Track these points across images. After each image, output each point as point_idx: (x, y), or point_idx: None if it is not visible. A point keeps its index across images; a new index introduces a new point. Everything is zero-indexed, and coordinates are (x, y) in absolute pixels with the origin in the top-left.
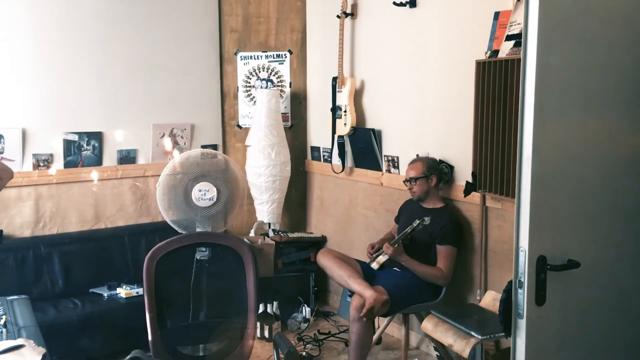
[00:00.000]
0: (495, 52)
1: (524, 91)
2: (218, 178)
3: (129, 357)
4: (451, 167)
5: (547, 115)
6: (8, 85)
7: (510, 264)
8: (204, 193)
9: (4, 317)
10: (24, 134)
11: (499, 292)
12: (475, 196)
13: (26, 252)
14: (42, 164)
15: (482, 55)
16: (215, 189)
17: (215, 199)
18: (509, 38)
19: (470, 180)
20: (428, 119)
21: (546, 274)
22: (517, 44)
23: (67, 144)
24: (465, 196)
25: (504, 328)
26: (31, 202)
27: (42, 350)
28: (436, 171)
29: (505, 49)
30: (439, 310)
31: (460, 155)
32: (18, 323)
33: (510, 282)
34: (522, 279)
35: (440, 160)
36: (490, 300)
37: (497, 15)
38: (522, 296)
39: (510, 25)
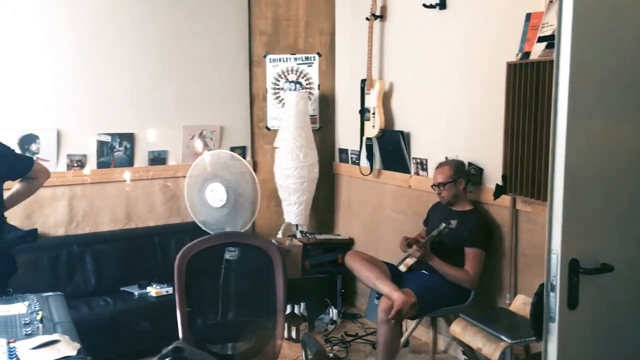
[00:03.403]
0: (527, 54)
1: (557, 92)
2: (227, 179)
3: (171, 347)
4: (480, 170)
5: (581, 117)
6: (44, 88)
7: (541, 268)
8: (215, 194)
9: (40, 312)
10: (58, 135)
11: (529, 296)
12: (505, 199)
13: (60, 250)
14: (75, 165)
15: (513, 57)
16: (224, 190)
17: (225, 201)
18: (541, 39)
19: (500, 182)
20: (457, 121)
21: (579, 277)
22: (550, 46)
23: (100, 144)
24: (495, 199)
25: (535, 332)
26: (65, 202)
27: (77, 345)
28: (464, 174)
29: (537, 50)
30: (468, 314)
31: (490, 157)
32: (53, 319)
33: (541, 286)
34: (554, 282)
35: (469, 162)
36: (520, 304)
37: (528, 16)
38: (554, 300)
39: (543, 27)
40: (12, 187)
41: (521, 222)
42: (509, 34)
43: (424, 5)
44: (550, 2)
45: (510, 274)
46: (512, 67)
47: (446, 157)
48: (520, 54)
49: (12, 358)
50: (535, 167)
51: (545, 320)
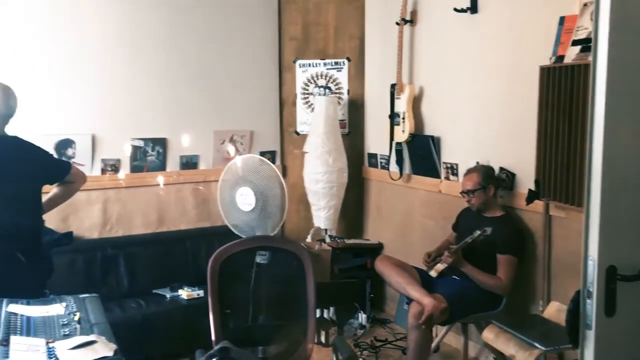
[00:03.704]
0: (561, 58)
1: (594, 96)
2: (255, 184)
3: (218, 347)
4: (512, 175)
5: (619, 120)
6: (80, 94)
7: (575, 274)
8: (244, 198)
9: (77, 313)
10: (93, 140)
11: (563, 303)
12: (538, 204)
13: (94, 253)
14: (110, 169)
15: (546, 61)
16: (253, 194)
17: (253, 205)
18: (575, 43)
19: (532, 188)
20: (489, 125)
21: (616, 284)
22: (585, 49)
23: (134, 149)
24: (527, 204)
25: (571, 339)
26: (99, 205)
27: (114, 346)
28: (493, 180)
29: (572, 54)
30: (501, 320)
31: (522, 162)
32: (90, 320)
33: (578, 292)
34: (591, 289)
35: (500, 167)
36: (554, 311)
37: (562, 20)
38: (591, 307)
39: (577, 30)
40: (50, 190)
41: (555, 228)
42: (542, 37)
43: (455, 10)
44: (585, 5)
45: (544, 280)
46: (545, 71)
47: (477, 162)
48: (553, 58)
49: (52, 358)
50: (570, 171)
51: (582, 328)
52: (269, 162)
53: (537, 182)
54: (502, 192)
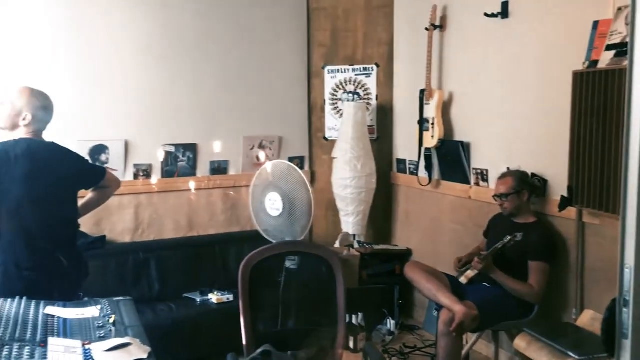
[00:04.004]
0: (595, 63)
1: (630, 100)
2: (283, 189)
3: (260, 350)
4: (544, 181)
5: None
6: (113, 101)
7: (610, 282)
8: (272, 203)
9: (112, 316)
10: (126, 146)
11: (597, 311)
12: (571, 211)
13: (126, 257)
14: (142, 174)
15: (579, 66)
16: (280, 199)
17: (281, 210)
18: (609, 48)
19: (565, 194)
20: (520, 131)
21: None
22: (619, 54)
23: (165, 155)
24: (560, 211)
25: (607, 348)
26: (131, 210)
27: (148, 349)
28: (527, 185)
29: (606, 59)
30: (533, 328)
31: (555, 168)
32: (125, 322)
33: (614, 301)
34: (628, 298)
35: (532, 173)
36: (588, 319)
37: (596, 24)
38: (627, 315)
39: (611, 35)
40: (86, 195)
41: (588, 235)
42: (575, 42)
43: (486, 15)
44: (619, 9)
45: (577, 288)
46: (578, 76)
47: (508, 168)
48: (587, 63)
49: (88, 359)
50: (604, 178)
51: (618, 337)
52: (296, 168)
53: (570, 188)
54: (534, 199)
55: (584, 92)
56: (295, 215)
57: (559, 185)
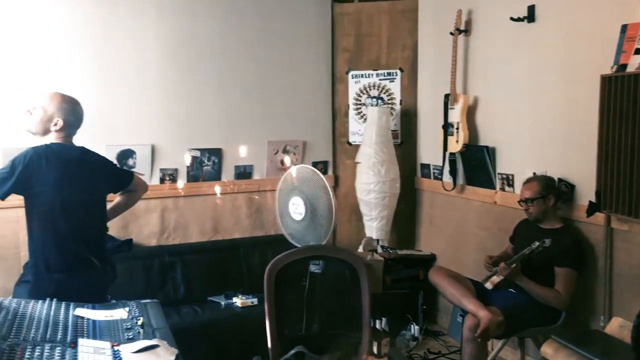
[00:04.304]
0: (623, 67)
1: None
2: (306, 193)
3: (293, 351)
4: (572, 186)
5: None
6: (140, 106)
7: (639, 289)
8: (295, 207)
9: (141, 318)
10: (153, 150)
11: (626, 318)
12: (599, 217)
13: (152, 260)
14: (168, 178)
15: (607, 70)
16: (303, 203)
17: (303, 214)
18: (638, 51)
19: (593, 199)
20: (546, 135)
21: None
22: None
23: (191, 159)
24: (587, 216)
25: (637, 356)
26: (157, 214)
27: (175, 351)
28: (553, 190)
29: (634, 62)
30: (560, 335)
31: (582, 173)
32: (152, 325)
33: None
34: None
35: (559, 178)
36: (616, 327)
37: (624, 28)
38: None
39: None
40: (114, 199)
41: (616, 242)
42: (603, 46)
43: (512, 19)
44: None
45: (605, 295)
46: (607, 80)
47: (534, 173)
48: (615, 67)
49: None
50: (633, 183)
51: None
52: (319, 172)
53: (598, 193)
54: (560, 204)
55: (612, 96)
56: (317, 220)
57: (586, 191)
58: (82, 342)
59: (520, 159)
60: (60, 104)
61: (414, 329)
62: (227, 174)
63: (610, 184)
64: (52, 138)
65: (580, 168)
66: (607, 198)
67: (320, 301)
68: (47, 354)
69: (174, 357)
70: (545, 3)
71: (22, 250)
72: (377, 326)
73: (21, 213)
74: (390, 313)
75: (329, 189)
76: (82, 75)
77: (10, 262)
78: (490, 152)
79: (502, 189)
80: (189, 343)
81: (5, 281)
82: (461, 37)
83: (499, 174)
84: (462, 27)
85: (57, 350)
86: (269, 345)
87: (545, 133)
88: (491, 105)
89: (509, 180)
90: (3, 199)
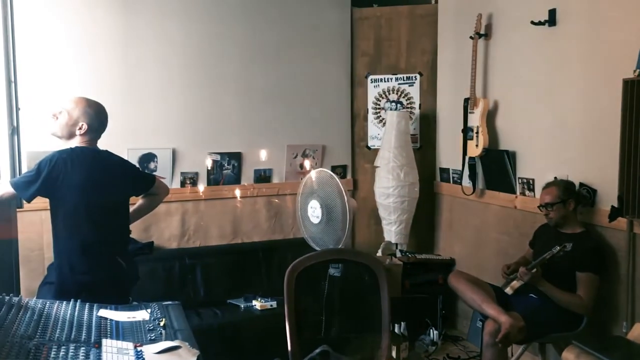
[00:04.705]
0: None
1: None
2: (322, 197)
3: (318, 350)
4: (593, 191)
5: None
6: (162, 110)
7: None
8: (313, 210)
9: (163, 319)
10: (174, 154)
11: None
12: (622, 222)
13: (173, 262)
14: (188, 182)
15: (630, 74)
16: (319, 207)
17: (320, 218)
18: None
19: (615, 204)
20: (567, 140)
21: None
22: None
23: (211, 163)
24: (610, 221)
25: None
26: (178, 217)
27: (197, 352)
28: (573, 195)
29: None
30: (582, 341)
31: (604, 178)
32: (174, 326)
33: None
34: None
35: (580, 183)
36: (639, 333)
37: None
38: None
39: None
40: (136, 202)
41: None
42: (625, 50)
43: (532, 23)
44: None
45: (627, 301)
46: (629, 84)
47: (555, 177)
48: (638, 71)
49: None
50: None
51: None
52: (335, 176)
53: (620, 198)
54: (581, 209)
55: (634, 101)
56: (333, 224)
57: (608, 195)
58: (105, 342)
59: (541, 163)
60: (85, 109)
61: (433, 333)
62: (247, 177)
63: (632, 189)
64: (77, 142)
65: (602, 172)
66: (630, 203)
67: (339, 304)
68: (72, 353)
69: (195, 358)
70: (566, 7)
71: (46, 252)
72: (396, 331)
73: (45, 215)
74: (409, 318)
75: (344, 193)
76: (106, 80)
77: (35, 263)
78: (511, 156)
79: (523, 194)
80: (208, 345)
81: (30, 282)
82: (481, 41)
83: (519, 178)
84: (482, 31)
85: (82, 350)
86: (289, 347)
87: (566, 137)
88: (511, 109)
89: (529, 185)
90: (29, 201)
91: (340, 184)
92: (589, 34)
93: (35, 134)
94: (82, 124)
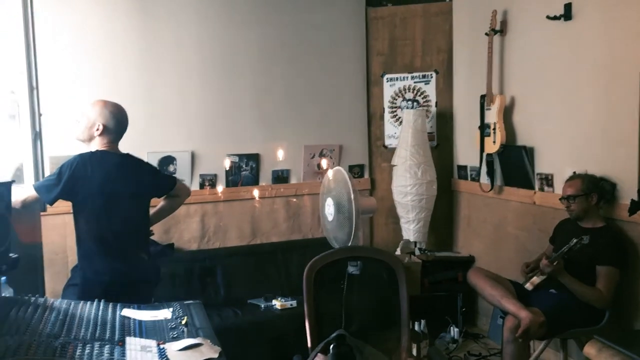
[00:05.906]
0: None
1: None
2: (336, 195)
3: (334, 334)
4: (613, 185)
5: None
6: (180, 114)
7: None
8: (328, 207)
9: (185, 317)
10: (193, 156)
11: None
12: None
13: (193, 263)
14: (207, 184)
15: None
16: (333, 204)
17: (333, 215)
18: None
19: (635, 198)
20: (586, 134)
21: None
22: None
23: (230, 164)
24: (630, 215)
25: None
26: (198, 219)
27: (218, 349)
28: (597, 189)
29: None
30: (604, 335)
31: (623, 171)
32: (195, 324)
33: None
34: None
35: (600, 177)
36: None
37: None
38: None
39: None
40: (157, 204)
41: None
42: None
43: (548, 17)
44: None
45: None
46: None
47: (574, 172)
48: None
49: (163, 358)
50: None
51: None
52: (344, 172)
53: None
54: (602, 204)
55: None
56: (341, 221)
57: (628, 189)
58: (129, 340)
59: (559, 159)
60: (102, 110)
61: (454, 331)
62: (265, 178)
63: None
64: (97, 144)
65: (621, 166)
66: None
67: (358, 302)
68: (97, 351)
69: (217, 355)
70: (582, 0)
71: (70, 255)
72: (416, 329)
73: (68, 219)
74: (429, 315)
75: (350, 190)
76: (126, 85)
77: (59, 266)
78: (529, 151)
79: (542, 189)
80: (229, 344)
81: (54, 284)
82: (497, 38)
83: (537, 174)
84: (498, 28)
85: (106, 347)
86: (309, 344)
87: (584, 132)
88: (528, 104)
89: (548, 180)
90: (51, 204)
91: (349, 182)
92: (605, 27)
93: (57, 139)
94: (98, 125)
